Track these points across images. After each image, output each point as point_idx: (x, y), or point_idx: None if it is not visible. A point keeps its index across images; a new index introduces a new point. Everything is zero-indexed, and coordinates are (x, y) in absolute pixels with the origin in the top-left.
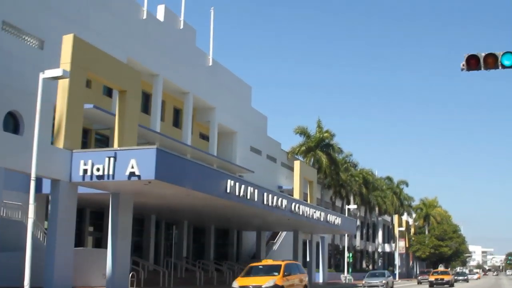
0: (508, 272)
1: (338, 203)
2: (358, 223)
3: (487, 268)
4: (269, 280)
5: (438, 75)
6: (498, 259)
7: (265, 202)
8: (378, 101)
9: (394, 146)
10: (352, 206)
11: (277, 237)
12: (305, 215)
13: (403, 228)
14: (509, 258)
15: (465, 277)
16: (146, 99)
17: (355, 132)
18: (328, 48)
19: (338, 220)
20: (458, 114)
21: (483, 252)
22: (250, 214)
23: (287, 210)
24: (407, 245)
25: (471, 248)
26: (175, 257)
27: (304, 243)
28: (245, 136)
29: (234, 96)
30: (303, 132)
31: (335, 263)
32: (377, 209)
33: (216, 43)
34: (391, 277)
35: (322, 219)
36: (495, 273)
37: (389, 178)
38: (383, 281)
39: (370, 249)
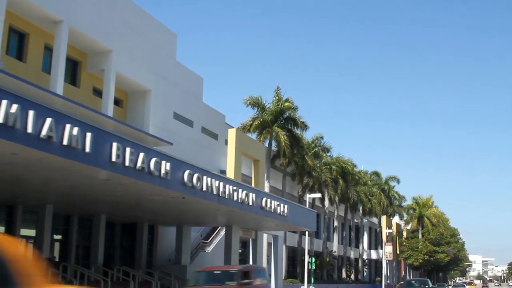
0: (511, 282)
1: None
2: (336, 223)
3: (488, 278)
4: None
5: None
6: (499, 269)
7: (127, 163)
8: (362, 89)
9: (388, 146)
10: (315, 195)
11: (212, 236)
12: (218, 193)
13: (391, 230)
14: None
15: None
16: None
17: (337, 125)
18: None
19: (283, 208)
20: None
21: (483, 261)
22: (105, 185)
23: (177, 183)
24: (398, 251)
25: (471, 257)
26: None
27: (247, 244)
28: (165, 97)
29: (146, 41)
30: (256, 103)
31: (303, 272)
32: (361, 208)
33: None
34: None
35: (251, 203)
36: (497, 283)
37: (377, 173)
38: None
39: (352, 255)
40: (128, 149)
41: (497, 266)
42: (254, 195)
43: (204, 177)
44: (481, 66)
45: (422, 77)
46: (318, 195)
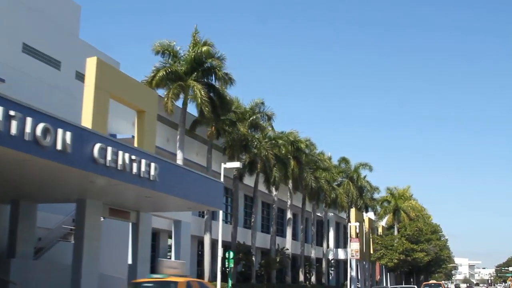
0: (499, 286)
1: (250, 181)
2: (290, 215)
3: (474, 282)
4: None
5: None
6: (486, 272)
7: None
8: (350, 93)
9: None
10: (232, 164)
11: None
12: None
13: (357, 224)
14: (502, 269)
15: None
16: None
17: (328, 128)
18: None
19: (146, 167)
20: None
21: (470, 265)
22: None
23: None
24: (371, 251)
25: (457, 260)
26: None
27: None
28: (7, 21)
29: None
30: (166, 49)
31: (244, 272)
32: (323, 199)
33: None
34: None
35: (67, 149)
36: (484, 286)
37: (345, 160)
38: None
39: (313, 254)
40: None
41: (484, 268)
42: (72, 135)
43: None
44: (469, 68)
45: (415, 80)
46: (237, 164)
